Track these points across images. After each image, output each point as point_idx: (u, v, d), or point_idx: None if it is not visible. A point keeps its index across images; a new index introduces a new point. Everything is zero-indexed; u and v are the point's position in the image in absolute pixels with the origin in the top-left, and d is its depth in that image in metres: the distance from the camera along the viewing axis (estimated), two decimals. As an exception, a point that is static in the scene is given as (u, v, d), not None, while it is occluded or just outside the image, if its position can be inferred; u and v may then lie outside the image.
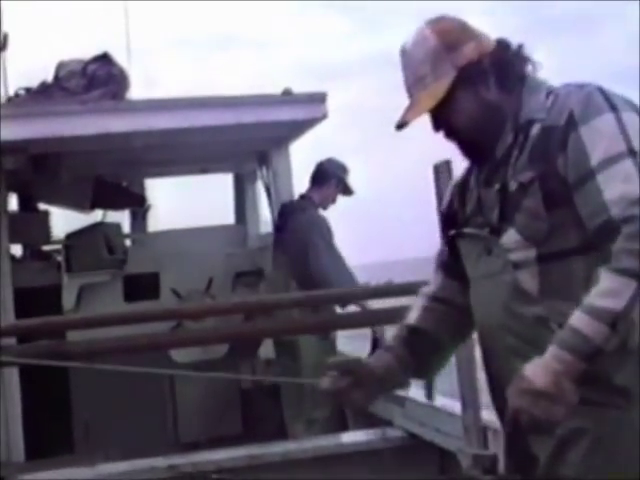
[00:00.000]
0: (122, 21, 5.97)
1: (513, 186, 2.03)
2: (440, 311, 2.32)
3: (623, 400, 1.96)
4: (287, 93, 5.08)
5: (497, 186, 2.07)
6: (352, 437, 4.34)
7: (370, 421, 4.37)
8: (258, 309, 4.35)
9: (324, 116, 5.04)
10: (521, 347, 2.01)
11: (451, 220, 2.29)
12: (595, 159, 1.92)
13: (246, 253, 6.14)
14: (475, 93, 2.09)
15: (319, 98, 5.03)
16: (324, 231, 5.13)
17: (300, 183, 5.53)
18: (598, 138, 1.93)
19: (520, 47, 2.13)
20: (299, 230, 5.12)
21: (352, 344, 5.39)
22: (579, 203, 1.94)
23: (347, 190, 5.42)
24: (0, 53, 5.30)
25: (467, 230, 2.17)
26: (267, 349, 5.52)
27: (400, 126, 2.13)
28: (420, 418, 3.85)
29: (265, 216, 6.16)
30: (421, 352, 2.29)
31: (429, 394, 4.10)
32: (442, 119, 2.12)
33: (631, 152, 1.90)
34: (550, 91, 2.08)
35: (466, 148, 2.16)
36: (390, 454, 3.91)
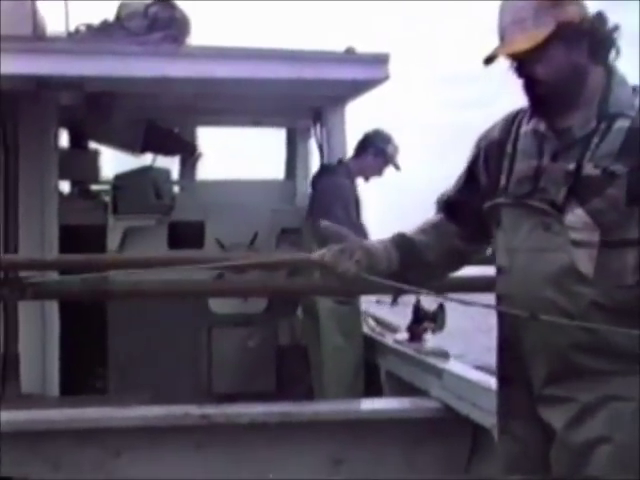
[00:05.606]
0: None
1: (592, 170, 2.15)
2: (432, 236, 2.47)
3: None
4: (350, 51, 4.99)
5: (571, 165, 2.17)
6: (386, 404, 4.31)
7: (406, 390, 4.33)
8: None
9: (386, 77, 4.95)
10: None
11: (475, 178, 2.39)
12: None
13: (293, 210, 6.08)
14: (567, 51, 2.18)
15: (382, 59, 4.93)
16: (347, 201, 5.05)
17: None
18: None
19: (616, 28, 2.24)
20: (322, 194, 5.13)
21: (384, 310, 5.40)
22: None
23: (392, 163, 5.38)
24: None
25: (528, 202, 2.22)
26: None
27: (489, 60, 2.21)
28: (457, 391, 3.78)
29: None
30: (404, 257, 2.44)
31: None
32: (528, 67, 2.20)
33: None
34: (634, 88, 2.23)
35: (539, 102, 2.24)
36: (423, 424, 3.86)
